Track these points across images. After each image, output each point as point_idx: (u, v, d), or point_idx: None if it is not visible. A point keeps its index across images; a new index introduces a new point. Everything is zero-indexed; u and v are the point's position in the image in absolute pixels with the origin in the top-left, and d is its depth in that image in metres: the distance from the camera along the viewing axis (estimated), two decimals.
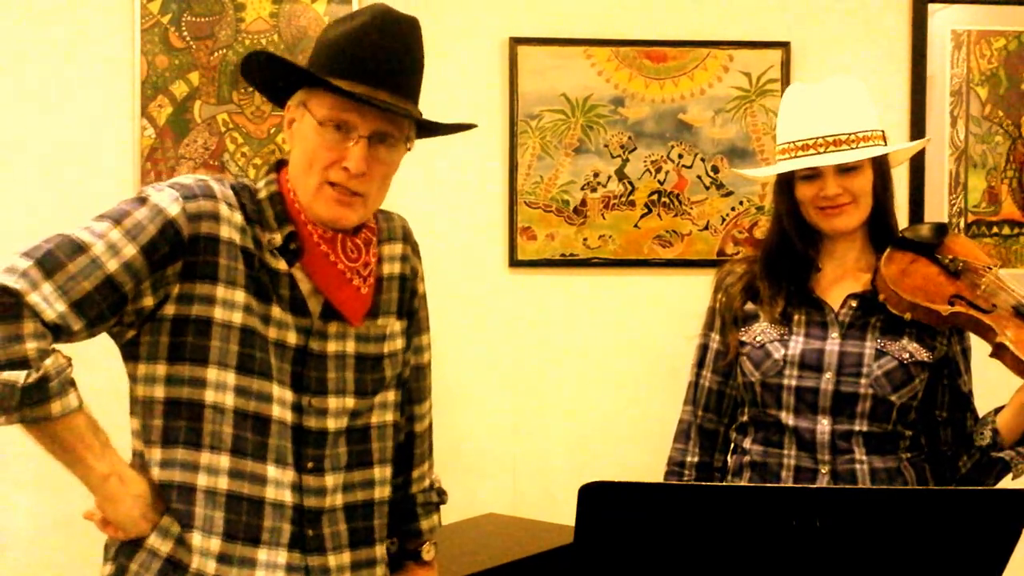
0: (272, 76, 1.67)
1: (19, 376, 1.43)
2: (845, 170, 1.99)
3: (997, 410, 2.01)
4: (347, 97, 1.58)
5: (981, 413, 2.06)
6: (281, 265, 1.63)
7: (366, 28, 1.62)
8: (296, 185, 1.65)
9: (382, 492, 1.75)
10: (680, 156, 3.04)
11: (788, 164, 2.03)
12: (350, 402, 1.68)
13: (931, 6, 3.09)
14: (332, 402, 1.66)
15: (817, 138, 1.99)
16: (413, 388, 1.84)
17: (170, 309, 1.57)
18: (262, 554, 1.60)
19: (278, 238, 1.63)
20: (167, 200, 1.56)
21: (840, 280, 2.07)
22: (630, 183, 3.03)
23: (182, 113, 2.92)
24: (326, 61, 1.62)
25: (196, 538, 1.57)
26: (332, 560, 1.66)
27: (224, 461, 1.59)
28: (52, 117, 2.90)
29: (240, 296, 1.59)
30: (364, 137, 1.61)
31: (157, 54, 2.91)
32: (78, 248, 1.51)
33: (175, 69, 2.91)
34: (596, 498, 1.42)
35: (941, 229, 2.07)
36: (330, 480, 1.67)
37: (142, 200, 1.57)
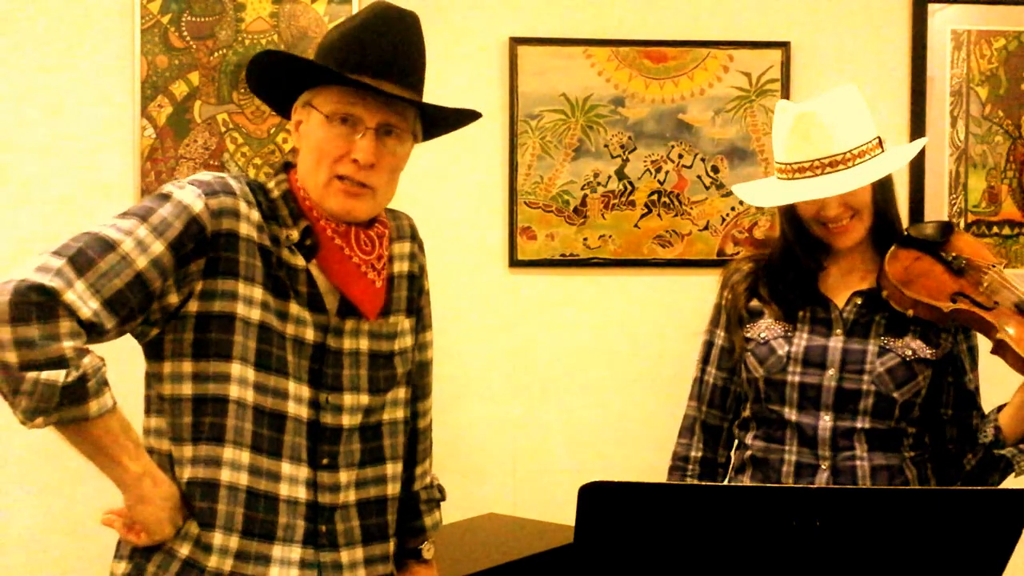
0: (278, 76, 1.67)
1: (59, 375, 1.42)
2: None
3: (1000, 407, 2.01)
4: (351, 85, 1.59)
5: (987, 410, 2.06)
6: (299, 261, 1.64)
7: (366, 23, 1.64)
8: (306, 182, 1.66)
9: (394, 488, 1.76)
10: (680, 156, 3.04)
11: (787, 194, 1.99)
12: (364, 399, 1.70)
13: (931, 6, 3.09)
14: (347, 399, 1.67)
15: (814, 160, 1.95)
16: (417, 385, 1.85)
17: (193, 306, 1.57)
18: (276, 551, 1.61)
19: (295, 234, 1.64)
20: (190, 196, 1.57)
21: (846, 278, 2.07)
22: (630, 183, 3.03)
23: (182, 113, 2.92)
24: (329, 58, 1.64)
25: (217, 537, 1.58)
26: (345, 556, 1.67)
27: (245, 457, 1.60)
28: (52, 117, 2.90)
29: (258, 293, 1.60)
30: (371, 129, 1.62)
31: (157, 54, 2.91)
32: (108, 246, 1.50)
33: (175, 69, 2.92)
34: (596, 498, 1.42)
35: (946, 227, 2.08)
36: (344, 476, 1.68)
37: (165, 197, 1.58)
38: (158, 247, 1.52)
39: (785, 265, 2.08)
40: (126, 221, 1.54)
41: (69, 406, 1.44)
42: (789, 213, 2.05)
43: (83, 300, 1.46)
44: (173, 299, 1.56)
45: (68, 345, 1.44)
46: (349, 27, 1.65)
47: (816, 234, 2.03)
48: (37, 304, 1.43)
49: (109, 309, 1.48)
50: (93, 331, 1.48)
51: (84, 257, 1.48)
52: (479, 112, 1.75)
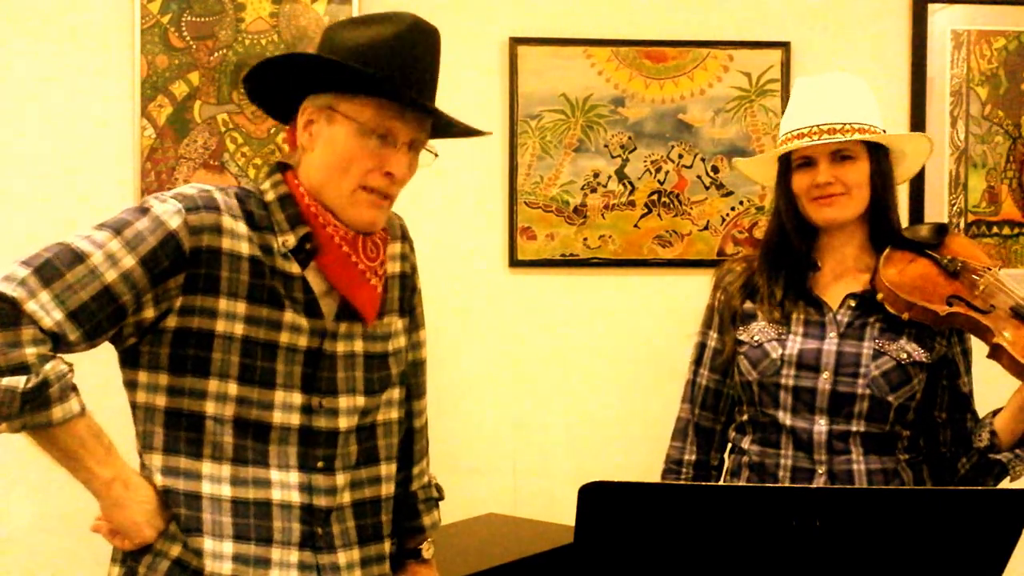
0: (287, 77, 1.65)
1: (19, 381, 1.43)
2: (839, 159, 1.99)
3: (996, 412, 2.01)
4: (415, 108, 1.60)
5: (982, 414, 2.06)
6: (294, 269, 1.63)
7: (405, 36, 1.62)
8: (323, 188, 1.64)
9: (388, 488, 1.76)
10: (680, 156, 3.04)
11: (780, 150, 2.05)
12: (360, 401, 1.69)
13: (931, 6, 3.09)
14: (343, 401, 1.67)
15: (813, 126, 2.00)
16: (412, 384, 1.85)
17: (172, 321, 1.56)
18: (275, 553, 1.61)
19: (291, 240, 1.63)
20: (169, 212, 1.55)
21: (839, 279, 2.07)
22: (630, 183, 3.03)
23: (182, 113, 2.92)
24: (366, 65, 1.60)
25: (207, 542, 1.57)
26: (342, 557, 1.67)
27: (226, 470, 1.60)
28: (52, 117, 2.90)
29: (242, 307, 1.58)
30: (405, 144, 1.63)
31: (157, 54, 2.91)
32: (77, 258, 1.50)
33: (175, 69, 2.91)
34: (596, 498, 1.42)
35: (941, 229, 2.07)
36: (340, 479, 1.68)
37: (144, 210, 1.56)
38: (129, 261, 1.52)
39: (779, 246, 2.08)
40: (100, 233, 1.53)
41: (31, 412, 1.45)
42: (784, 190, 2.07)
43: (46, 311, 1.46)
44: (149, 314, 1.55)
45: (30, 352, 1.44)
46: (382, 35, 1.61)
47: (807, 213, 2.04)
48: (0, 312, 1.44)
49: (73, 321, 1.48)
50: (58, 342, 1.48)
51: (51, 268, 1.48)
52: (489, 132, 1.76)
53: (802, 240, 2.06)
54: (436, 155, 1.71)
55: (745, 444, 2.08)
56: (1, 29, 2.89)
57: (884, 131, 2.04)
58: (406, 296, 1.80)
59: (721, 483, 2.14)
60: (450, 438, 2.87)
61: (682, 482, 2.12)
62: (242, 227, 1.60)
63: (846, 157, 2.00)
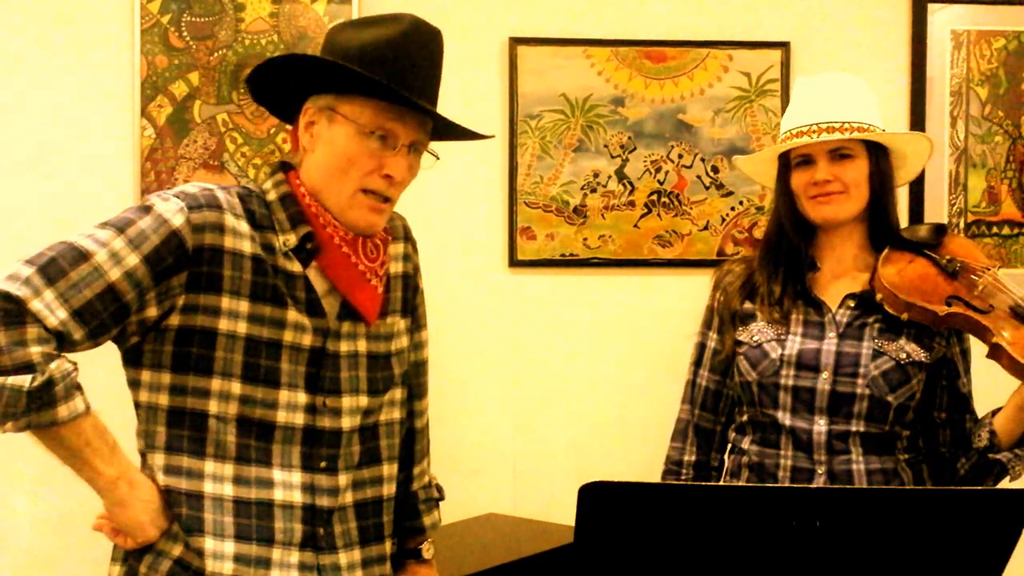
0: (288, 77, 1.65)
1: (24, 380, 1.43)
2: (837, 157, 1.99)
3: (995, 412, 2.01)
4: (410, 107, 1.60)
5: (981, 414, 2.06)
6: (296, 267, 1.63)
7: (406, 37, 1.62)
8: (323, 189, 1.64)
9: (390, 489, 1.77)
10: (680, 156, 3.04)
11: (778, 148, 2.05)
12: (363, 401, 1.69)
13: (931, 6, 3.09)
14: (346, 401, 1.67)
15: (812, 124, 2.00)
16: (413, 384, 1.85)
17: (175, 320, 1.57)
18: (276, 554, 1.61)
19: (293, 239, 1.63)
20: (172, 210, 1.56)
21: (838, 279, 2.07)
22: (630, 183, 3.03)
23: (182, 113, 2.92)
24: (365, 66, 1.60)
25: (208, 542, 1.57)
26: (343, 558, 1.68)
27: (228, 469, 1.60)
28: (52, 117, 2.90)
29: (244, 306, 1.59)
30: (405, 145, 1.63)
31: (157, 54, 2.91)
32: (81, 256, 1.50)
33: (175, 69, 2.91)
34: (596, 498, 1.42)
35: (940, 229, 2.07)
36: (343, 479, 1.68)
37: (147, 209, 1.57)
38: (133, 260, 1.52)
39: (778, 244, 2.08)
40: (103, 232, 1.53)
41: (37, 411, 1.45)
42: (783, 188, 2.07)
43: (50, 309, 1.46)
44: (152, 312, 1.55)
45: (35, 351, 1.44)
46: (384, 36, 1.62)
47: (805, 211, 2.04)
48: (4, 311, 1.44)
49: (78, 319, 1.48)
50: (62, 340, 1.48)
51: (55, 267, 1.48)
52: (491, 135, 1.76)
53: (801, 238, 2.06)
54: (437, 158, 1.71)
55: (745, 444, 2.08)
56: (1, 29, 2.89)
57: (884, 130, 2.04)
58: (408, 296, 1.80)
59: (721, 483, 2.14)
60: (450, 438, 2.87)
61: (682, 482, 2.12)
62: (244, 226, 1.60)
63: (845, 156, 2.00)
